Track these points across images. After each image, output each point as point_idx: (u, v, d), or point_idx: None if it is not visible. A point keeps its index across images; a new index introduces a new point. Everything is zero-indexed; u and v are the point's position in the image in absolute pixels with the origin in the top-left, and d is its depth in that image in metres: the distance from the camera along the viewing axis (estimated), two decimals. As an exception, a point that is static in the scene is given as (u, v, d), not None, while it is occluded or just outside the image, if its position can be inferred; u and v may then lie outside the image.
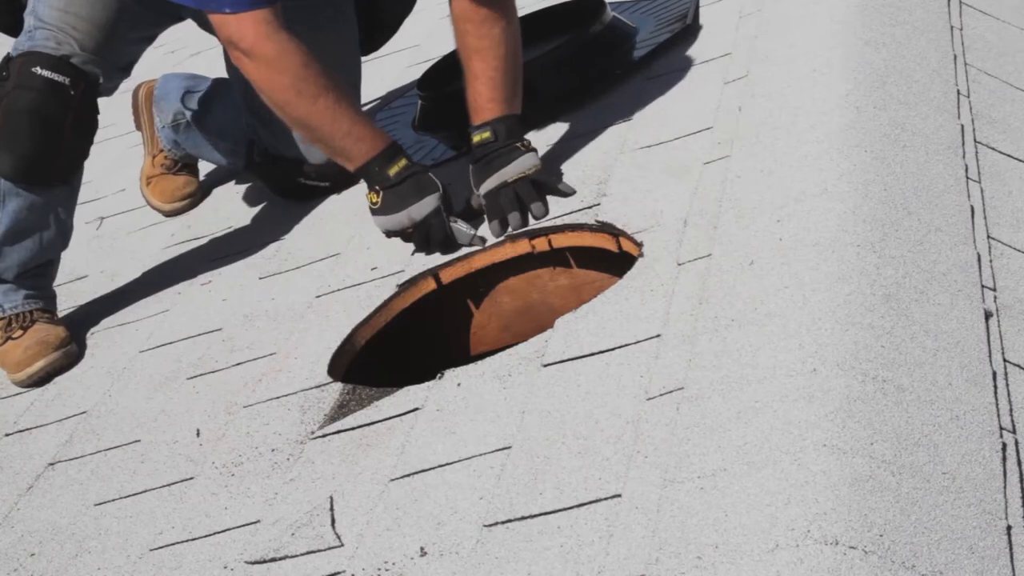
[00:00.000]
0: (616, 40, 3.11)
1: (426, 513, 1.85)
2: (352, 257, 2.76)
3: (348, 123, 2.57)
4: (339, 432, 2.16)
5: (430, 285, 2.60)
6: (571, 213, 2.54)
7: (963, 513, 1.53)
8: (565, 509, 1.73)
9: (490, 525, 1.76)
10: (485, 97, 2.61)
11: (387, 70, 3.79)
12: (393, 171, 2.56)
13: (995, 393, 1.76)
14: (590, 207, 2.52)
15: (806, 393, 1.66)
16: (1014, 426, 1.73)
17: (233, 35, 2.54)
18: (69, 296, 3.17)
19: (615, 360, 2.01)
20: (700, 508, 1.57)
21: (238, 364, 2.54)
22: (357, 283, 2.64)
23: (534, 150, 2.62)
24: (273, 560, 1.89)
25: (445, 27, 3.96)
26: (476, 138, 2.61)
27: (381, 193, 2.57)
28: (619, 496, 1.70)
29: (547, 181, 2.60)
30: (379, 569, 1.78)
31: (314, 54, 2.57)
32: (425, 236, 2.57)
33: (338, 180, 3.06)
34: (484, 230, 2.59)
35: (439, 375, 2.17)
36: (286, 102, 2.57)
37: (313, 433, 2.19)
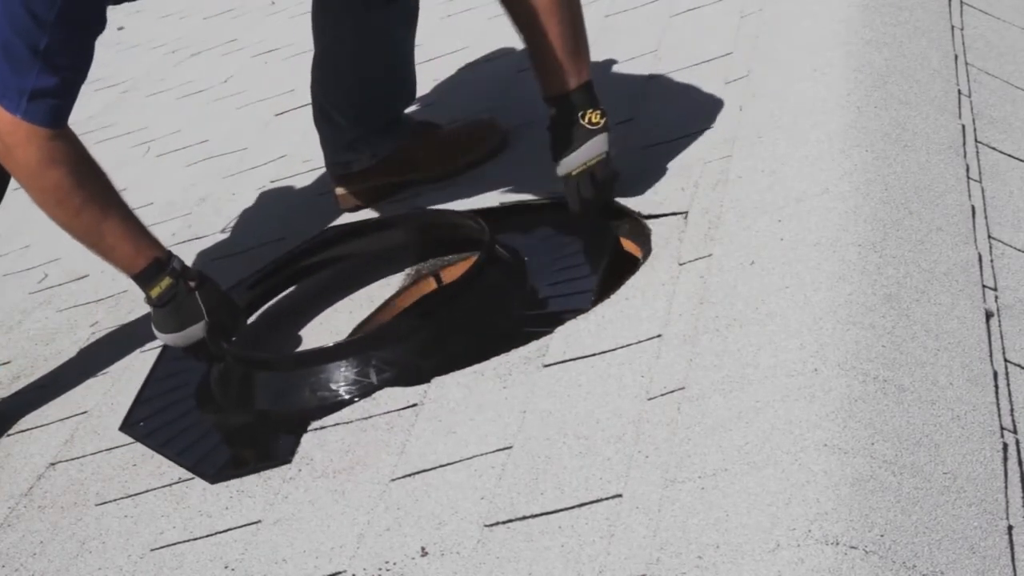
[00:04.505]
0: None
1: (427, 513, 1.85)
2: (353, 257, 2.76)
3: (112, 238, 2.43)
4: (337, 425, 2.16)
5: (431, 285, 2.60)
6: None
7: (964, 513, 1.53)
8: (566, 509, 1.73)
9: (491, 525, 1.76)
10: (555, 66, 2.48)
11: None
12: (155, 292, 2.44)
13: (996, 393, 1.76)
14: (591, 207, 2.52)
15: (807, 393, 1.66)
16: (1015, 426, 1.73)
17: (1, 125, 2.35)
18: (69, 296, 3.17)
19: (616, 360, 2.01)
20: (701, 508, 1.57)
21: (239, 364, 2.54)
22: (359, 282, 2.64)
23: (604, 130, 2.48)
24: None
25: (445, 27, 3.98)
26: (551, 112, 2.51)
27: (151, 310, 2.49)
28: (620, 496, 1.70)
29: (607, 172, 2.49)
30: (380, 569, 1.78)
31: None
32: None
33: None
34: None
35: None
36: (46, 210, 2.45)
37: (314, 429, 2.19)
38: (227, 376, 2.45)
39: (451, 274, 2.60)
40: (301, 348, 2.55)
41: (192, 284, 2.45)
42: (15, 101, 2.32)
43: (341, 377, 2.25)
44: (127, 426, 2.44)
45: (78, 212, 2.42)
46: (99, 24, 2.41)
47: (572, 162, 2.47)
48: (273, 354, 2.52)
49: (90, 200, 2.41)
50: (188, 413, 2.44)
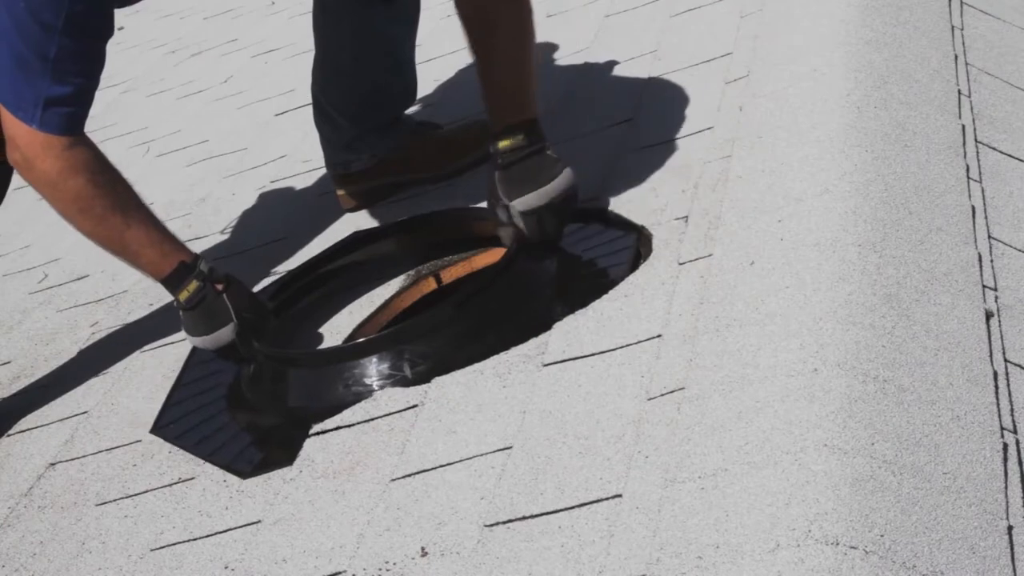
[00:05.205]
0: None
1: (427, 513, 1.85)
2: (353, 257, 2.76)
3: (137, 244, 2.44)
4: (338, 428, 2.16)
5: (431, 285, 2.60)
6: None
7: (964, 513, 1.53)
8: (566, 509, 1.73)
9: (491, 525, 1.76)
10: (505, 98, 2.42)
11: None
12: (183, 296, 2.43)
13: (996, 393, 1.76)
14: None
15: (807, 393, 1.66)
16: (1015, 426, 1.73)
17: (17, 137, 2.37)
18: (69, 296, 3.17)
19: (616, 360, 2.01)
20: (701, 508, 1.57)
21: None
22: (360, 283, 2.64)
23: (564, 161, 2.40)
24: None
25: (445, 27, 3.97)
26: (505, 142, 2.39)
27: (181, 313, 2.48)
28: (620, 496, 1.70)
29: (576, 199, 2.42)
30: (380, 569, 1.78)
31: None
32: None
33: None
34: None
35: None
36: (70, 219, 2.47)
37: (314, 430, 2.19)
38: (259, 375, 2.44)
39: (451, 274, 2.59)
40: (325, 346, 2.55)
41: (219, 287, 2.45)
42: (30, 112, 2.33)
43: (375, 372, 2.24)
44: (158, 429, 2.43)
45: (101, 220, 2.42)
46: (108, 29, 2.42)
47: (552, 190, 2.36)
48: (306, 351, 2.51)
49: (112, 207, 2.42)
50: (219, 414, 2.43)
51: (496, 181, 2.43)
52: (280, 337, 2.52)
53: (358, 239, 2.77)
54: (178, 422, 2.43)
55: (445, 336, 2.25)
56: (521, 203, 2.38)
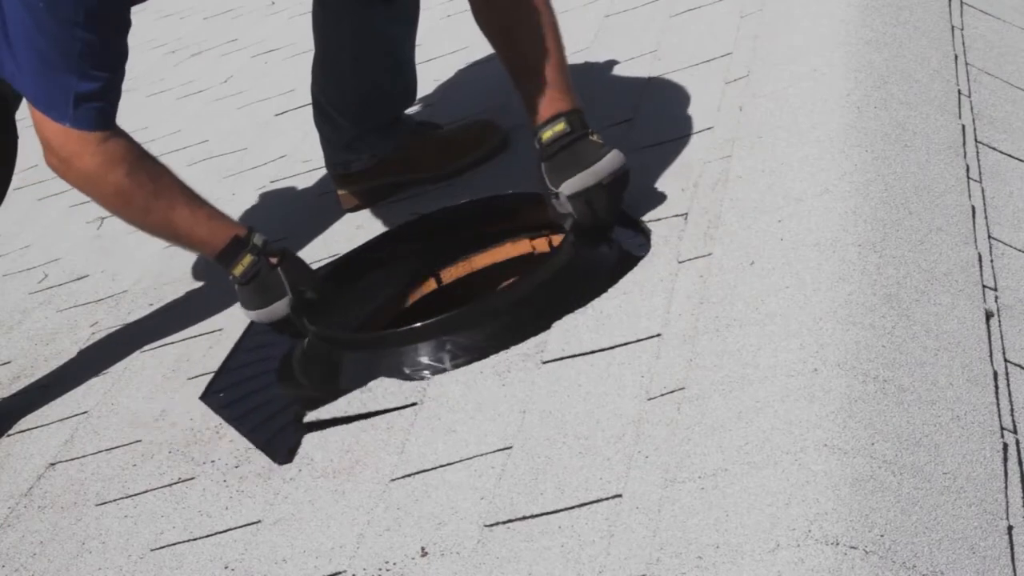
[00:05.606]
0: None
1: (427, 513, 1.85)
2: (353, 257, 2.75)
3: (186, 226, 2.44)
4: (337, 424, 2.16)
5: (431, 285, 2.59)
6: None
7: (964, 513, 1.53)
8: (566, 509, 1.73)
9: (491, 525, 1.76)
10: (541, 96, 2.38)
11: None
12: (238, 270, 2.43)
13: (996, 393, 1.76)
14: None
15: (807, 393, 1.66)
16: (1015, 426, 1.73)
17: (52, 139, 2.39)
18: (69, 296, 3.17)
19: (616, 359, 2.01)
20: (701, 508, 1.57)
21: (239, 364, 2.54)
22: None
23: (611, 145, 2.37)
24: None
25: (445, 27, 3.98)
26: (547, 133, 2.36)
27: (236, 287, 2.48)
28: (620, 496, 1.70)
29: (628, 181, 2.39)
30: (380, 569, 1.78)
31: None
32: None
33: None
34: None
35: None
36: (115, 211, 2.49)
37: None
38: (309, 354, 2.42)
39: (451, 274, 2.59)
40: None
41: (274, 260, 2.44)
42: (61, 110, 2.35)
43: (430, 358, 2.21)
44: (208, 395, 2.42)
45: (146, 208, 2.44)
46: (126, 24, 2.44)
47: (601, 169, 2.34)
48: (358, 334, 2.48)
49: (155, 194, 2.43)
50: (268, 387, 2.42)
51: (543, 173, 2.40)
52: (334, 315, 2.51)
53: (427, 221, 2.70)
54: (227, 391, 2.43)
55: (498, 325, 2.21)
56: (568, 186, 2.35)
